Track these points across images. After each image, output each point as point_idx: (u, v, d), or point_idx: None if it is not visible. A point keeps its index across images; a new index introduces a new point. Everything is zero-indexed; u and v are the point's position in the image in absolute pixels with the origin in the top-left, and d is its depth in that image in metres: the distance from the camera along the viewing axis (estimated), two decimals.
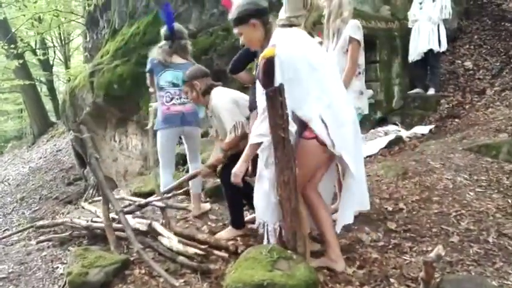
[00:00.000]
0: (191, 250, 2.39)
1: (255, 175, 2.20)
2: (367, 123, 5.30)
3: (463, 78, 5.98)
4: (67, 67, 16.24)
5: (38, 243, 3.09)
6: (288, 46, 2.04)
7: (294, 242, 2.05)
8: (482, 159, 3.65)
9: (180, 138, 3.37)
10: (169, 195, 3.01)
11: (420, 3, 5.74)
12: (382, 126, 5.43)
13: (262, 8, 2.18)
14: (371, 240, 2.57)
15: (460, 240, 2.52)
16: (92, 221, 2.97)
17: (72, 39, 17.50)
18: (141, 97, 6.28)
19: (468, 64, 6.16)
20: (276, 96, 1.94)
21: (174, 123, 3.18)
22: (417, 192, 3.16)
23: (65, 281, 2.23)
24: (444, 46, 5.65)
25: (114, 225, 2.76)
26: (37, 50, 15.77)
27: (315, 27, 2.90)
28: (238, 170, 2.19)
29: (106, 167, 7.79)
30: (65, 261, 2.61)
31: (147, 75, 3.31)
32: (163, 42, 3.25)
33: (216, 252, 2.47)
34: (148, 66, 3.27)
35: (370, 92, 5.60)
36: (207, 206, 3.41)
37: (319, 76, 2.06)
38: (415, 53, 5.71)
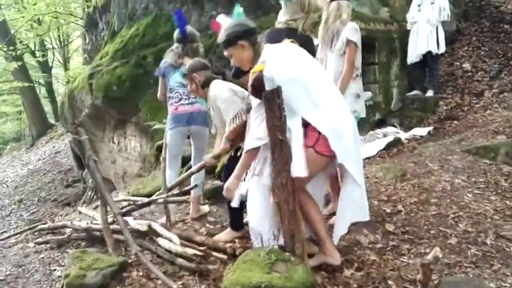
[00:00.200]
0: (190, 251, 2.39)
1: None
2: (366, 125, 5.31)
3: (462, 80, 5.99)
4: (66, 69, 16.23)
5: (36, 244, 3.08)
6: (276, 64, 2.08)
7: (292, 244, 2.05)
8: (481, 161, 3.65)
9: (189, 138, 3.41)
10: (174, 192, 2.99)
11: (419, 6, 5.76)
12: (380, 128, 5.44)
13: (249, 29, 2.24)
14: (369, 242, 2.57)
15: (458, 242, 2.52)
16: (92, 223, 2.96)
17: (72, 41, 17.50)
18: (140, 99, 6.28)
19: (466, 66, 6.18)
20: (273, 99, 1.96)
21: (181, 123, 3.25)
22: (415, 194, 3.16)
23: (63, 284, 2.22)
24: (442, 48, 5.67)
25: (113, 226, 2.75)
26: (36, 52, 15.77)
27: (314, 30, 2.92)
28: (231, 185, 2.21)
29: (105, 169, 7.78)
30: (63, 264, 2.60)
31: (160, 79, 3.40)
32: (175, 45, 3.34)
33: (214, 253, 2.47)
34: (158, 71, 3.37)
35: (369, 93, 5.62)
36: (205, 208, 3.41)
37: (310, 89, 2.07)
38: (413, 55, 5.72)
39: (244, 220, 2.86)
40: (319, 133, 2.05)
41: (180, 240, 2.48)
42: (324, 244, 2.23)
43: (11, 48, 11.65)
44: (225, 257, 2.44)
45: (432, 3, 5.65)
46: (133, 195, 4.05)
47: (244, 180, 2.26)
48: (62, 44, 16.67)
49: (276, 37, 2.53)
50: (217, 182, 3.71)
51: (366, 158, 4.49)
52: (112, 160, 7.84)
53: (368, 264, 2.31)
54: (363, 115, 3.03)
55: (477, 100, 5.55)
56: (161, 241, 2.56)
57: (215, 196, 3.52)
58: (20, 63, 12.28)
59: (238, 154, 2.49)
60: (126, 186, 5.85)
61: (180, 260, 2.37)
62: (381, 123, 5.62)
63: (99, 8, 8.86)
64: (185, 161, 3.69)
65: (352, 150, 2.10)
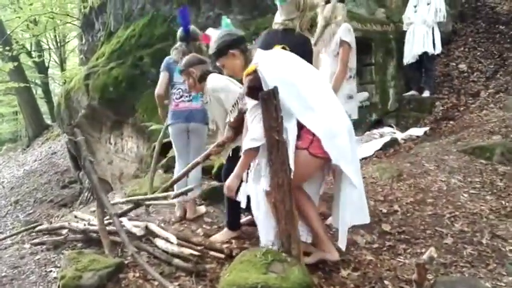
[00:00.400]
0: (186, 251, 2.39)
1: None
2: (363, 125, 5.32)
3: (458, 80, 6.02)
4: (62, 69, 16.18)
5: (32, 246, 3.06)
6: (267, 66, 2.10)
7: (288, 244, 2.05)
8: (476, 161, 3.67)
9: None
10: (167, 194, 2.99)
11: (415, 7, 5.78)
12: (377, 128, 5.46)
13: (238, 38, 2.29)
14: (366, 242, 2.58)
15: (453, 242, 2.53)
16: (89, 224, 2.95)
17: (68, 42, 17.44)
18: (137, 100, 6.26)
19: (462, 66, 6.21)
20: (270, 99, 1.96)
21: (180, 119, 3.27)
22: (412, 194, 3.17)
23: (59, 285, 2.21)
24: (439, 49, 5.69)
25: (110, 228, 2.74)
26: (32, 52, 15.69)
27: (312, 29, 2.92)
28: (231, 183, 2.22)
29: (101, 170, 7.75)
30: (59, 265, 2.59)
31: (160, 75, 3.40)
32: (178, 43, 3.37)
33: (211, 252, 2.47)
34: (162, 66, 3.38)
35: (366, 94, 5.64)
36: (202, 209, 3.40)
37: (302, 91, 2.09)
38: (410, 55, 5.74)
39: (241, 220, 2.86)
40: (313, 135, 2.06)
41: (177, 241, 2.48)
42: (322, 242, 2.25)
43: (7, 48, 11.57)
44: (222, 256, 2.44)
45: (428, 4, 5.67)
46: (129, 196, 4.04)
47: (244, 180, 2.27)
48: (59, 44, 16.62)
49: (271, 39, 2.54)
50: (214, 183, 3.71)
51: (363, 158, 4.51)
52: (109, 161, 7.82)
53: (364, 264, 2.32)
54: (355, 116, 3.02)
55: (473, 100, 5.57)
56: (158, 242, 2.56)
57: (212, 197, 3.52)
58: (16, 64, 12.21)
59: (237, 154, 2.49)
60: (122, 187, 5.83)
61: (176, 261, 2.37)
62: (378, 124, 5.64)
63: (96, 9, 8.83)
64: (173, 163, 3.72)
65: (347, 150, 2.11)
